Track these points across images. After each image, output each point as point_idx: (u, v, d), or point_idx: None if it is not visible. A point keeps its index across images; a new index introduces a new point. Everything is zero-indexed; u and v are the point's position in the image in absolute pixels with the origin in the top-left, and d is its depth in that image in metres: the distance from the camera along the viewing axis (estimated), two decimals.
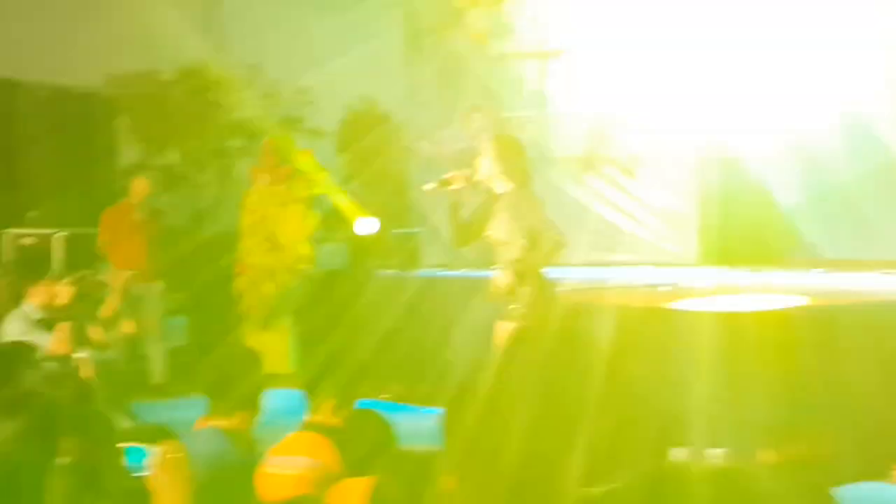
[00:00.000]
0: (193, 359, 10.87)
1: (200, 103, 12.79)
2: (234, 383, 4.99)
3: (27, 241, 9.86)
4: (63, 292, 6.89)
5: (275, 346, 10.49)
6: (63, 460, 3.60)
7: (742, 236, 11.28)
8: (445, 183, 6.55)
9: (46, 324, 6.83)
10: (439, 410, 7.40)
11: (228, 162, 12.85)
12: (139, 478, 2.82)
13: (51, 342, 6.69)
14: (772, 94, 11.60)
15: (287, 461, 4.53)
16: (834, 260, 10.58)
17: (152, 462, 2.58)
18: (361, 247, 11.49)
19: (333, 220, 12.61)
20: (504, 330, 6.56)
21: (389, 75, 13.28)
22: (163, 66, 12.45)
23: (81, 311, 7.19)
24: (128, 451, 2.81)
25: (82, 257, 8.63)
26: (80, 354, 6.97)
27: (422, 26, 12.73)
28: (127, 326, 8.37)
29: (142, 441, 2.93)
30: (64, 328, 6.66)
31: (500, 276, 6.53)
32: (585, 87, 11.62)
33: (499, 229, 6.52)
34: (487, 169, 6.54)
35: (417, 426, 4.92)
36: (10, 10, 11.86)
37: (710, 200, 11.02)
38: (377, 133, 13.57)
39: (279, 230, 10.60)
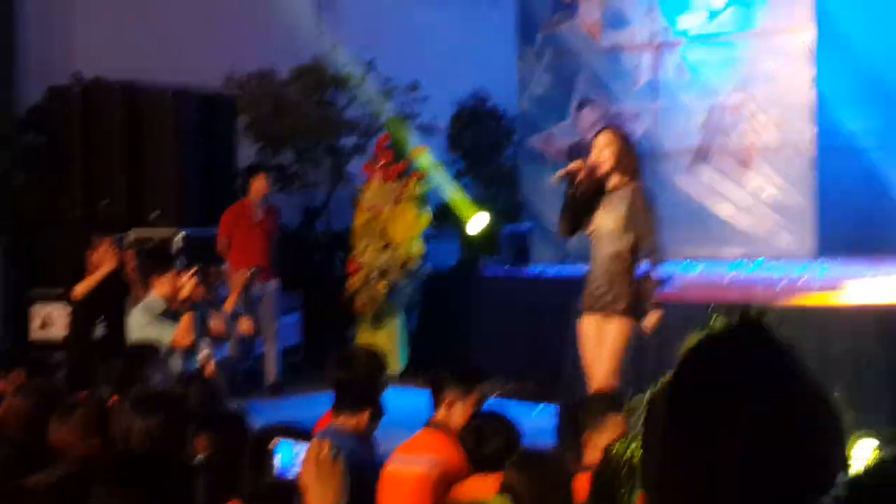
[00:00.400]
0: (308, 358, 11.07)
1: (315, 102, 12.94)
2: (362, 381, 5.06)
3: (150, 239, 10.09)
4: (186, 284, 7.03)
5: (386, 344, 10.59)
6: (200, 458, 3.70)
7: (860, 229, 11.07)
8: (571, 172, 6.51)
9: (170, 315, 7.00)
10: (551, 407, 7.41)
11: (342, 160, 12.96)
12: (281, 476, 2.86)
13: (175, 334, 6.87)
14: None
15: (413, 459, 4.59)
16: None
17: (304, 459, 2.59)
18: (474, 244, 11.51)
19: (447, 217, 12.70)
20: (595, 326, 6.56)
21: (501, 70, 13.28)
22: (279, 66, 12.62)
23: (204, 303, 7.34)
24: (276, 449, 2.86)
25: (202, 256, 8.79)
26: (203, 351, 7.13)
27: (534, 20, 12.70)
28: (245, 325, 8.52)
29: (287, 438, 2.97)
30: (188, 319, 6.83)
31: (595, 272, 6.54)
32: (700, 79, 11.47)
33: (605, 222, 6.50)
34: (600, 161, 6.53)
35: (532, 423, 4.97)
36: (130, 15, 12.16)
37: (828, 192, 10.81)
38: (489, 129, 13.60)
39: (392, 228, 10.67)
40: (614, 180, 6.55)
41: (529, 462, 3.92)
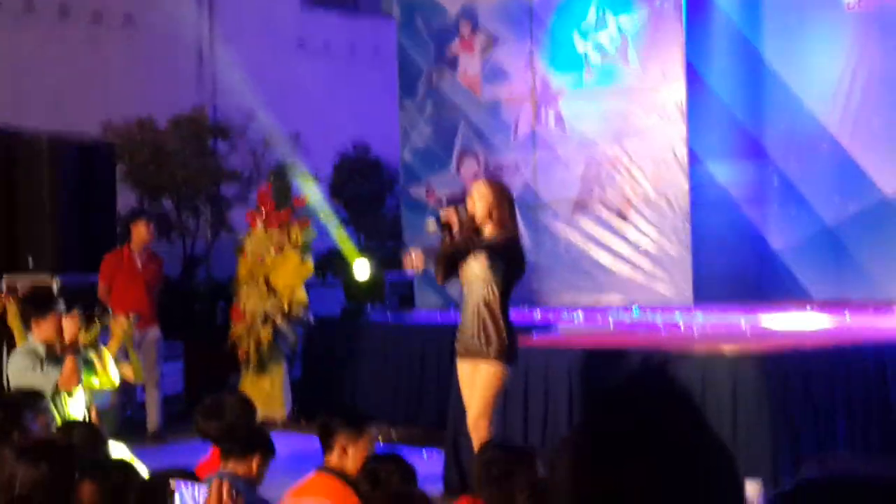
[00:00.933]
0: (189, 407, 10.88)
1: (194, 151, 12.82)
2: (245, 427, 5.01)
3: (26, 284, 9.82)
4: (69, 327, 6.86)
5: (270, 391, 10.48)
6: None
7: (735, 277, 11.38)
8: (444, 220, 6.64)
9: (53, 360, 6.80)
10: (436, 451, 7.42)
11: (223, 209, 12.85)
12: None
13: (59, 378, 6.68)
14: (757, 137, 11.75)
15: (306, 503, 4.53)
16: (825, 301, 10.65)
17: (206, 501, 2.55)
18: (358, 291, 11.50)
19: (331, 265, 12.67)
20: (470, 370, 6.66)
21: (383, 122, 13.37)
22: (158, 115, 12.48)
23: (86, 347, 7.16)
24: (174, 491, 2.79)
25: (82, 302, 8.59)
26: (82, 398, 6.94)
27: (415, 72, 12.83)
28: (126, 371, 8.33)
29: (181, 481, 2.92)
30: (70, 363, 6.65)
31: (466, 319, 6.65)
32: (578, 132, 11.71)
33: (475, 270, 6.61)
34: (476, 211, 6.64)
35: (420, 468, 4.95)
36: (5, 61, 11.91)
37: (703, 242, 11.10)
38: (371, 179, 13.65)
39: (275, 275, 10.61)
40: (487, 230, 6.67)
41: (398, 500, 3.85)
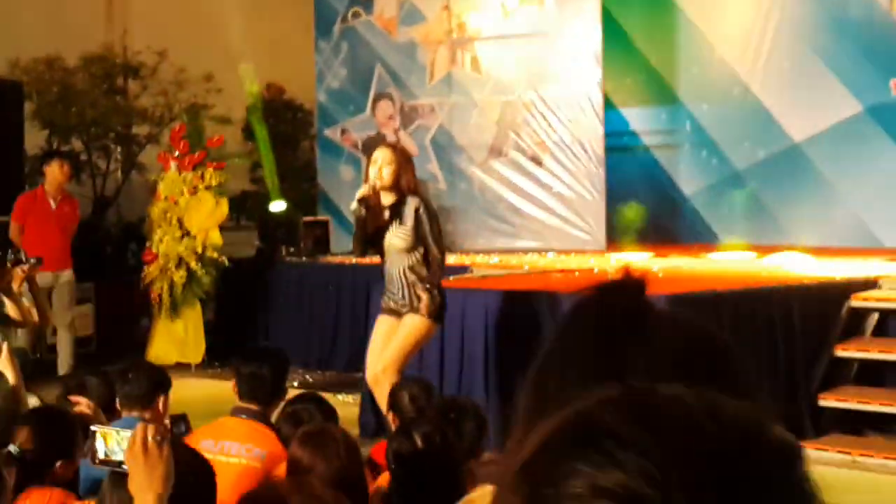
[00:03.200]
0: (100, 349, 10.77)
1: (104, 90, 12.56)
2: (146, 371, 4.95)
3: None
4: None
5: (183, 334, 10.39)
6: (15, 448, 3.54)
7: (647, 223, 11.52)
8: (364, 201, 6.65)
9: None
10: (353, 395, 7.44)
11: (134, 149, 12.63)
12: (106, 465, 2.75)
13: None
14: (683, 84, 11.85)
15: (232, 448, 4.46)
16: (731, 244, 10.83)
17: (130, 444, 2.50)
18: (272, 234, 11.42)
19: (245, 208, 12.55)
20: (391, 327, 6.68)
21: (298, 62, 13.20)
22: (67, 54, 12.18)
23: None
24: (95, 435, 2.74)
25: None
26: None
27: (331, 13, 12.68)
28: (34, 315, 8.16)
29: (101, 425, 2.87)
30: None
31: (393, 284, 6.68)
32: (494, 76, 11.69)
33: (394, 241, 6.65)
34: (383, 177, 6.65)
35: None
36: None
37: (616, 187, 11.20)
38: (286, 120, 13.50)
39: (189, 218, 10.48)
40: (395, 196, 6.67)
41: (313, 437, 3.81)
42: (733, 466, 0.82)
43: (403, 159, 6.79)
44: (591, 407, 0.86)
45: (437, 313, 6.71)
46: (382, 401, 6.12)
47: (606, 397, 0.87)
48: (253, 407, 4.64)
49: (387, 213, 6.68)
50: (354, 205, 6.72)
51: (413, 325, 6.65)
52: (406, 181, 6.69)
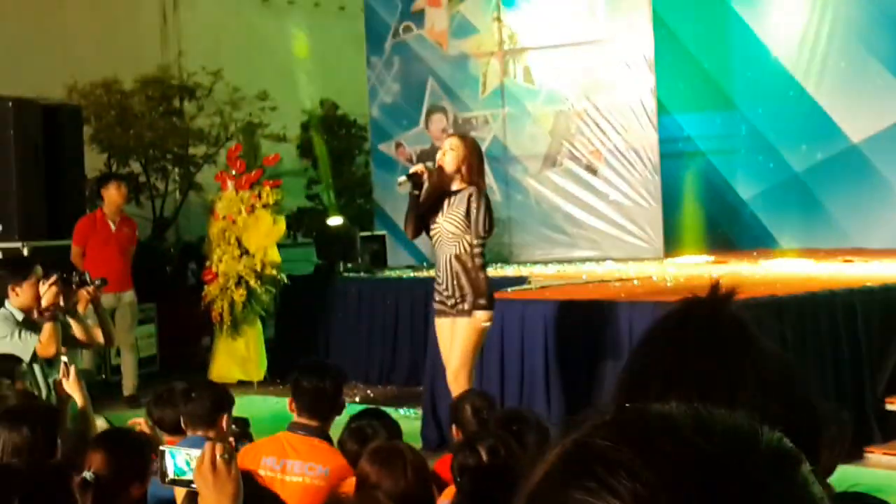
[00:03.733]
0: (164, 369, 10.88)
1: (161, 112, 12.72)
2: (209, 390, 4.99)
3: None
4: (47, 293, 6.76)
5: (245, 352, 10.47)
6: (89, 474, 3.58)
7: (704, 228, 11.46)
8: (414, 176, 6.65)
9: (30, 325, 6.72)
10: (413, 411, 7.44)
11: (192, 170, 12.77)
12: (176, 485, 2.79)
13: (38, 344, 6.61)
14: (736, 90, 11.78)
15: (298, 467, 4.47)
16: (794, 250, 10.74)
17: (199, 464, 2.53)
18: (330, 251, 11.48)
19: (300, 224, 12.64)
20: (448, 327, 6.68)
21: (351, 78, 13.29)
22: (123, 76, 12.36)
23: (64, 312, 7.07)
24: (166, 455, 2.79)
25: (54, 267, 8.51)
26: (63, 361, 6.89)
27: (382, 28, 12.75)
28: (99, 336, 8.27)
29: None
30: (50, 329, 6.57)
31: (440, 275, 6.67)
32: (546, 86, 11.69)
33: (446, 225, 6.63)
34: (445, 165, 6.66)
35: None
36: None
37: (673, 194, 11.15)
38: (340, 137, 13.59)
39: (247, 237, 10.56)
40: (456, 183, 6.68)
41: (381, 453, 3.81)
42: (725, 480, 0.82)
43: (472, 150, 6.78)
44: (585, 433, 0.88)
45: (486, 302, 6.65)
46: None
47: (600, 421, 0.88)
48: (312, 423, 4.65)
49: (446, 200, 6.66)
50: (403, 179, 6.75)
51: (467, 328, 6.64)
52: (468, 170, 6.68)
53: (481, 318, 6.62)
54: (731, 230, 11.69)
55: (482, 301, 6.60)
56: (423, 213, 6.69)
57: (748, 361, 1.37)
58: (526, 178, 11.79)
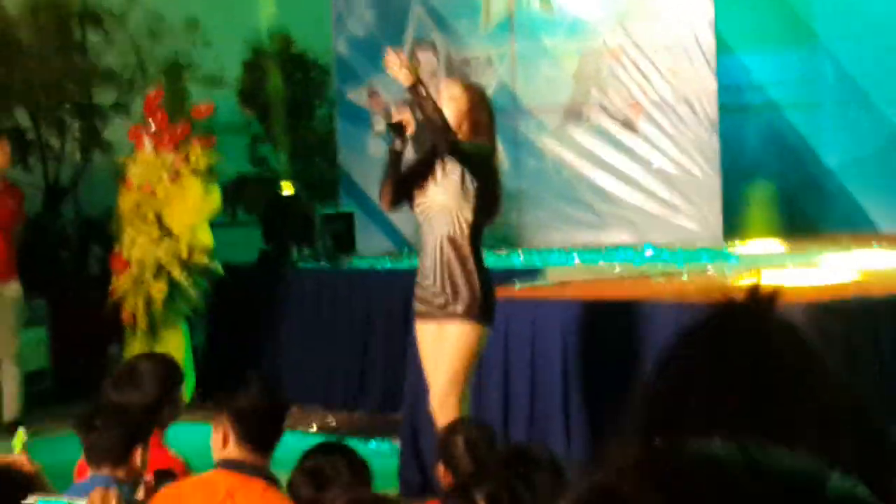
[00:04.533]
0: (58, 387, 10.88)
1: (57, 46, 12.70)
2: (119, 417, 4.99)
3: None
4: None
5: None
6: None
7: (778, 205, 11.46)
8: (397, 126, 6.66)
9: None
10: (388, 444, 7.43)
11: (98, 123, 12.76)
12: None
13: None
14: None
15: None
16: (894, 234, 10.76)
17: None
18: (280, 231, 11.49)
19: (242, 196, 12.61)
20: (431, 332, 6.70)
21: (308, 2, 13.27)
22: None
23: None
24: None
25: None
26: None
27: None
28: None
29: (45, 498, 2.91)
30: None
31: (426, 264, 6.68)
32: (569, 14, 11.68)
33: (437, 195, 6.63)
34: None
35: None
36: None
37: (736, 160, 11.16)
38: (295, 81, 13.56)
39: (170, 212, 10.57)
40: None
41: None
42: None
43: (478, 102, 6.81)
44: (608, 477, 0.91)
45: (483, 310, 6.67)
46: None
47: (625, 463, 0.91)
48: (253, 458, 4.65)
49: (439, 164, 6.66)
50: (381, 126, 6.77)
51: (458, 339, 6.65)
52: (472, 126, 6.69)
53: (479, 329, 6.64)
54: (813, 208, 11.69)
55: (479, 308, 6.62)
56: (407, 178, 6.69)
57: (812, 383, 1.43)
58: (542, 137, 11.79)
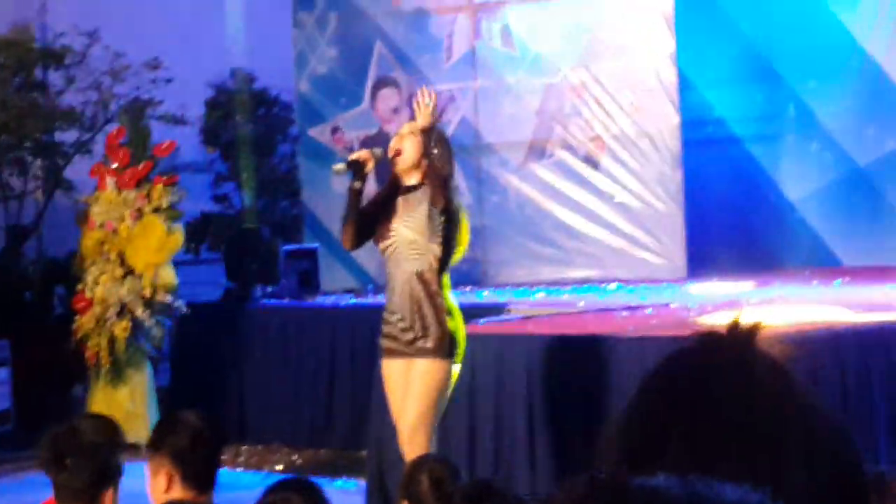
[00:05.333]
0: (21, 429, 10.82)
1: (17, 85, 12.69)
2: (90, 457, 4.97)
3: None
4: None
5: (129, 405, 10.44)
6: None
7: (740, 239, 11.51)
8: (356, 163, 6.69)
9: None
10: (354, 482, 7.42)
11: (59, 161, 12.72)
12: None
13: None
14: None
15: None
16: (859, 268, 10.82)
17: None
18: (244, 270, 11.47)
19: (205, 235, 12.60)
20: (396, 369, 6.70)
21: (272, 42, 13.29)
22: None
23: None
24: None
25: None
26: None
27: None
28: None
29: None
30: None
31: (393, 301, 6.69)
32: (531, 52, 11.73)
33: (403, 232, 6.66)
34: (403, 153, 6.70)
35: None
36: None
37: (699, 194, 11.20)
38: (257, 119, 13.57)
39: (132, 251, 10.55)
40: (414, 178, 6.70)
41: None
42: None
43: (435, 136, 6.84)
44: None
45: (452, 347, 6.68)
46: None
47: (569, 498, 0.90)
48: (195, 497, 4.61)
49: (400, 200, 6.69)
50: (340, 166, 6.80)
51: (427, 375, 6.64)
52: (434, 163, 6.72)
53: (445, 367, 6.65)
54: (775, 243, 11.74)
55: (448, 344, 6.63)
56: (368, 214, 6.72)
57: (792, 422, 1.44)
58: (504, 173, 11.82)
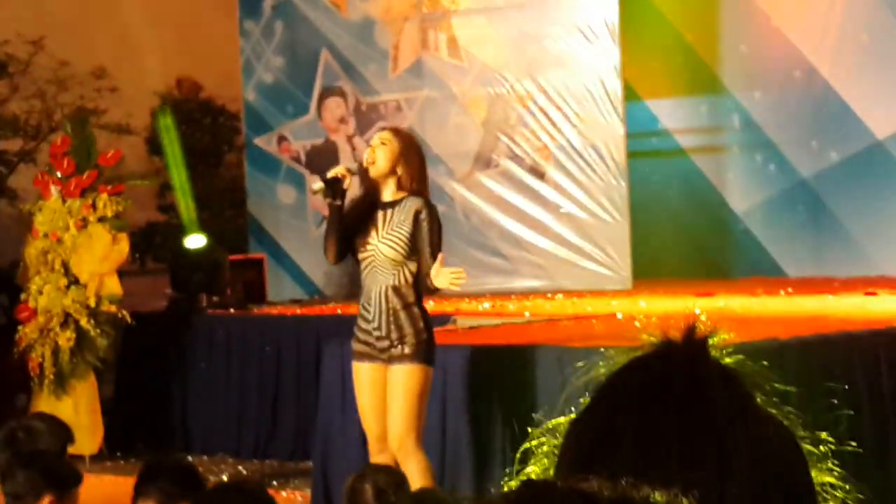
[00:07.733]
0: None
1: None
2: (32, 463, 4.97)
3: None
4: None
5: (73, 417, 10.39)
6: None
7: (686, 251, 11.58)
8: (334, 181, 6.72)
9: None
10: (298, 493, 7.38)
11: (2, 170, 12.67)
12: None
13: None
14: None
15: None
16: (802, 279, 10.91)
17: None
18: (189, 280, 11.45)
19: (150, 244, 12.57)
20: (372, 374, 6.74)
21: (218, 50, 13.27)
22: None
23: None
24: None
25: None
26: None
27: None
28: None
29: None
30: None
31: (371, 312, 6.73)
32: (478, 61, 11.78)
33: (381, 247, 6.69)
34: (375, 166, 6.74)
35: None
36: None
37: (645, 205, 11.27)
38: (203, 128, 13.54)
39: (77, 260, 10.51)
40: (390, 191, 6.74)
41: None
42: None
43: (408, 145, 6.87)
44: None
45: (428, 352, 6.74)
46: (414, 477, 6.18)
47: (506, 500, 0.93)
48: None
49: (380, 214, 6.73)
50: (318, 185, 6.82)
51: (409, 380, 6.69)
52: (408, 174, 6.77)
53: (426, 370, 6.70)
54: (720, 253, 11.84)
55: (424, 350, 6.69)
56: (348, 228, 6.76)
57: (741, 429, 1.49)
58: (450, 182, 11.86)
